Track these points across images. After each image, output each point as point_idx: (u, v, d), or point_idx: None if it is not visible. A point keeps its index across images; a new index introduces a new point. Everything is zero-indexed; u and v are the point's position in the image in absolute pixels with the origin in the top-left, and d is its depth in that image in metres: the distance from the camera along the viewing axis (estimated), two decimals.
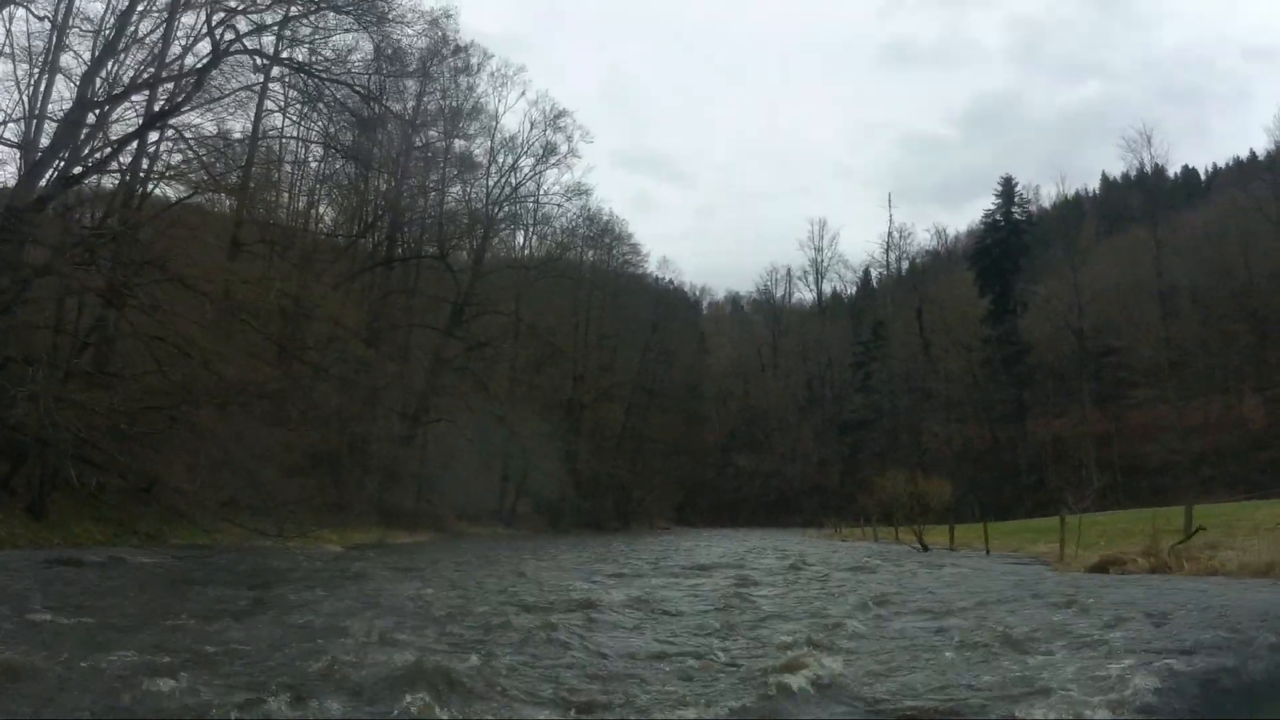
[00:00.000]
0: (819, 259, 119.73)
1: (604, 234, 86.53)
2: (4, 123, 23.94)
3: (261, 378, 27.13)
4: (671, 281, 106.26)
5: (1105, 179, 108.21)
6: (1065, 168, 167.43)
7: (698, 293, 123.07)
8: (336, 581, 17.32)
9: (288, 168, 49.22)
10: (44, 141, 24.19)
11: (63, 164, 23.34)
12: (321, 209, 53.07)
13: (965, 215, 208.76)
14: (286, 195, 49.87)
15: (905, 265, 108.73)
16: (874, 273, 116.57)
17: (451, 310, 59.92)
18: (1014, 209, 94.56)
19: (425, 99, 55.29)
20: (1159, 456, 68.70)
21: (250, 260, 40.38)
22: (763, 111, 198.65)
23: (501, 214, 67.87)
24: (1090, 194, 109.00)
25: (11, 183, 24.52)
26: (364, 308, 50.33)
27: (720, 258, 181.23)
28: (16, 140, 23.62)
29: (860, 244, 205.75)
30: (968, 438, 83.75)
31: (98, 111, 24.17)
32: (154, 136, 29.64)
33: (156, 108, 25.20)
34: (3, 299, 22.50)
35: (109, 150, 23.88)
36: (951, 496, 40.86)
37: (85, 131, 24.49)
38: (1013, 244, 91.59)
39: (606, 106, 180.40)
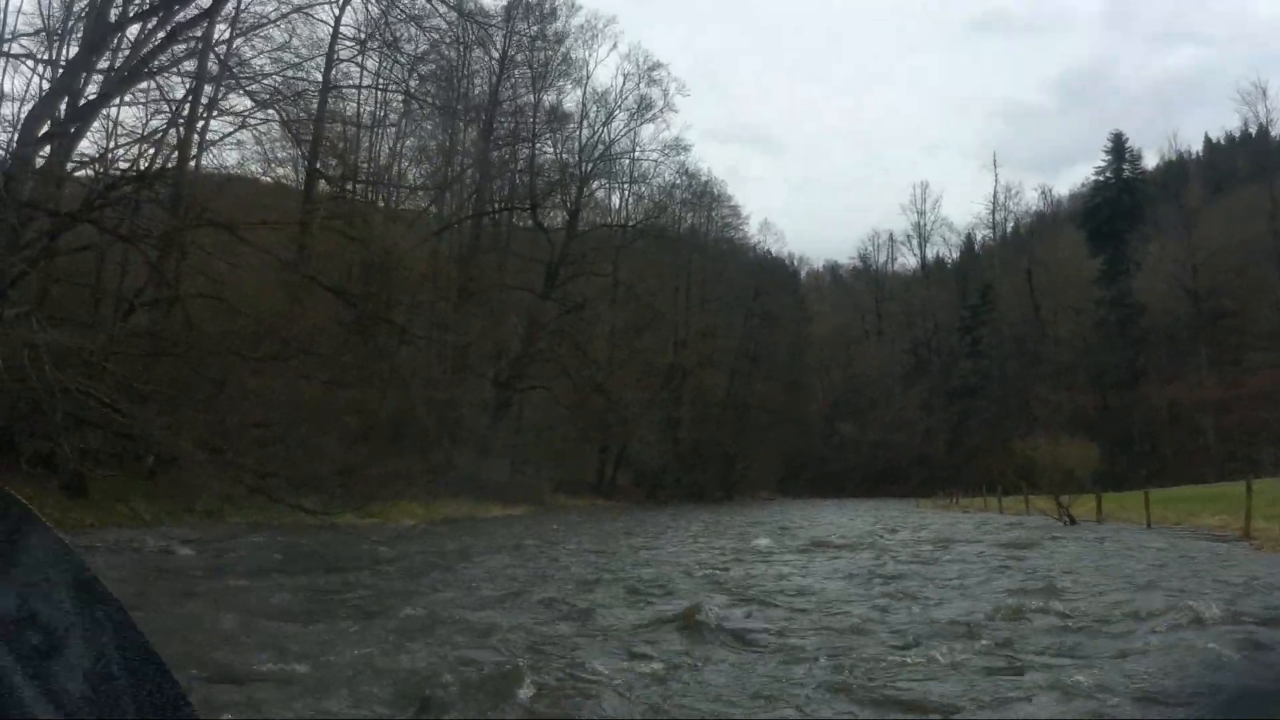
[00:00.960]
0: (921, 223, 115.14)
1: (703, 195, 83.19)
2: (36, 34, 21.17)
3: (302, 331, 24.11)
4: (770, 250, 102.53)
5: (1209, 141, 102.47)
6: (1165, 132, 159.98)
7: (795, 262, 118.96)
8: (382, 566, 14.25)
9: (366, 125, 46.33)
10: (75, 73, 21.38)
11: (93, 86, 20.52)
12: (404, 165, 50.10)
13: (1063, 184, 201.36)
14: (365, 154, 47.02)
15: (1012, 226, 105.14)
16: (979, 235, 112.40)
17: (546, 271, 56.93)
18: (1124, 166, 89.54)
19: (510, 49, 52.18)
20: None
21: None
22: (853, 84, 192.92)
23: (595, 170, 64.56)
24: (1194, 156, 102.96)
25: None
26: (453, 266, 47.62)
27: (815, 229, 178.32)
28: (44, 58, 20.76)
29: (961, 212, 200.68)
30: (1078, 404, 78.66)
31: (136, 29, 21.34)
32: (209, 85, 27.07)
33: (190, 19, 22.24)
34: (29, 252, 19.79)
35: (132, 69, 20.92)
36: (1100, 462, 36.65)
37: (124, 55, 21.74)
38: (1124, 203, 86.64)
39: (695, 82, 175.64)
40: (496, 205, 55.28)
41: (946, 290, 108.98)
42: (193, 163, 30.33)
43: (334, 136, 39.95)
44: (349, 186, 41.69)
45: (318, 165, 38.23)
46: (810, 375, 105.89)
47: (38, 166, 19.90)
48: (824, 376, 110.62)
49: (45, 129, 18.86)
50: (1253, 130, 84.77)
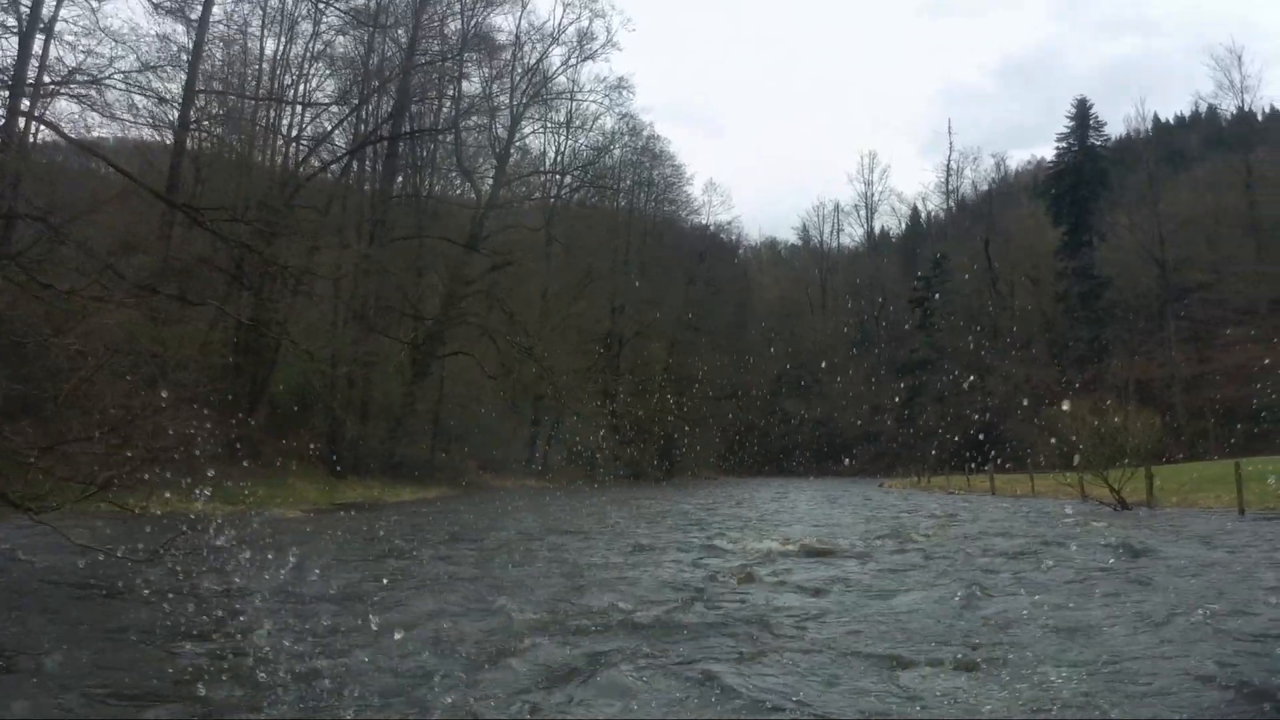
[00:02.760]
0: (869, 193, 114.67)
1: (644, 151, 76.89)
2: None
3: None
4: (712, 219, 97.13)
5: (1158, 121, 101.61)
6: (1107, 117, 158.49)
7: (736, 236, 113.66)
8: None
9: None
10: None
11: None
12: (310, 85, 42.56)
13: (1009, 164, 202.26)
14: (265, 71, 39.90)
15: (967, 191, 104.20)
16: (929, 206, 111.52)
17: (471, 221, 50.02)
18: (1089, 134, 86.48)
19: None
20: (1252, 401, 60.10)
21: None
22: (795, 64, 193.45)
23: (528, 110, 57.35)
24: (1144, 135, 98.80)
25: None
26: (363, 207, 40.81)
27: (757, 207, 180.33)
28: None
29: (909, 183, 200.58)
30: (1039, 380, 74.15)
31: None
32: None
33: None
34: None
35: None
36: (1161, 436, 31.28)
37: None
38: (1088, 170, 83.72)
39: (636, 62, 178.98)
40: (413, 129, 47.59)
41: (894, 264, 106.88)
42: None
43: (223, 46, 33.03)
44: (235, 103, 34.75)
45: (197, 83, 31.25)
46: (754, 350, 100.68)
47: None
48: (767, 352, 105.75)
49: None
50: (1240, 87, 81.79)
